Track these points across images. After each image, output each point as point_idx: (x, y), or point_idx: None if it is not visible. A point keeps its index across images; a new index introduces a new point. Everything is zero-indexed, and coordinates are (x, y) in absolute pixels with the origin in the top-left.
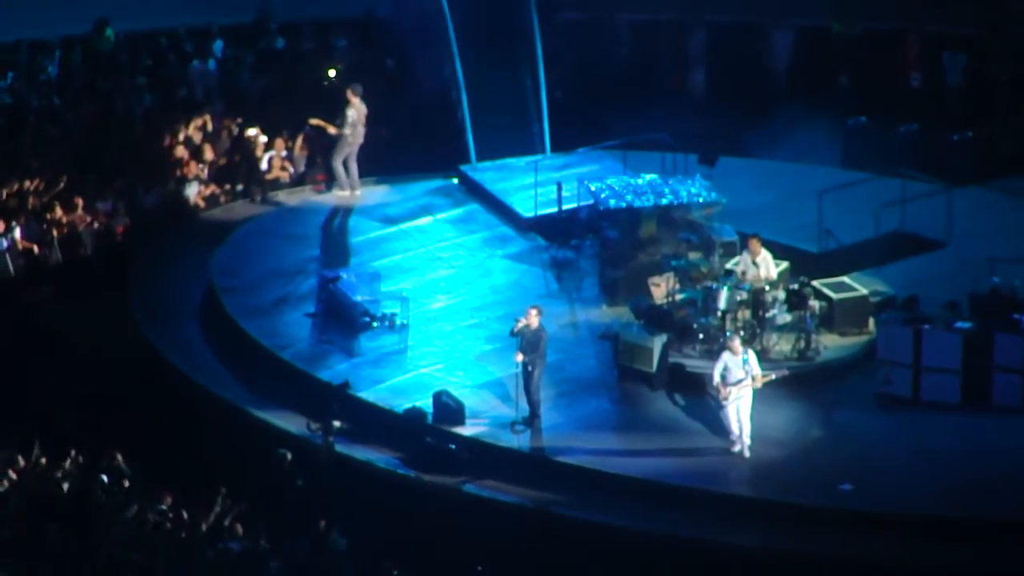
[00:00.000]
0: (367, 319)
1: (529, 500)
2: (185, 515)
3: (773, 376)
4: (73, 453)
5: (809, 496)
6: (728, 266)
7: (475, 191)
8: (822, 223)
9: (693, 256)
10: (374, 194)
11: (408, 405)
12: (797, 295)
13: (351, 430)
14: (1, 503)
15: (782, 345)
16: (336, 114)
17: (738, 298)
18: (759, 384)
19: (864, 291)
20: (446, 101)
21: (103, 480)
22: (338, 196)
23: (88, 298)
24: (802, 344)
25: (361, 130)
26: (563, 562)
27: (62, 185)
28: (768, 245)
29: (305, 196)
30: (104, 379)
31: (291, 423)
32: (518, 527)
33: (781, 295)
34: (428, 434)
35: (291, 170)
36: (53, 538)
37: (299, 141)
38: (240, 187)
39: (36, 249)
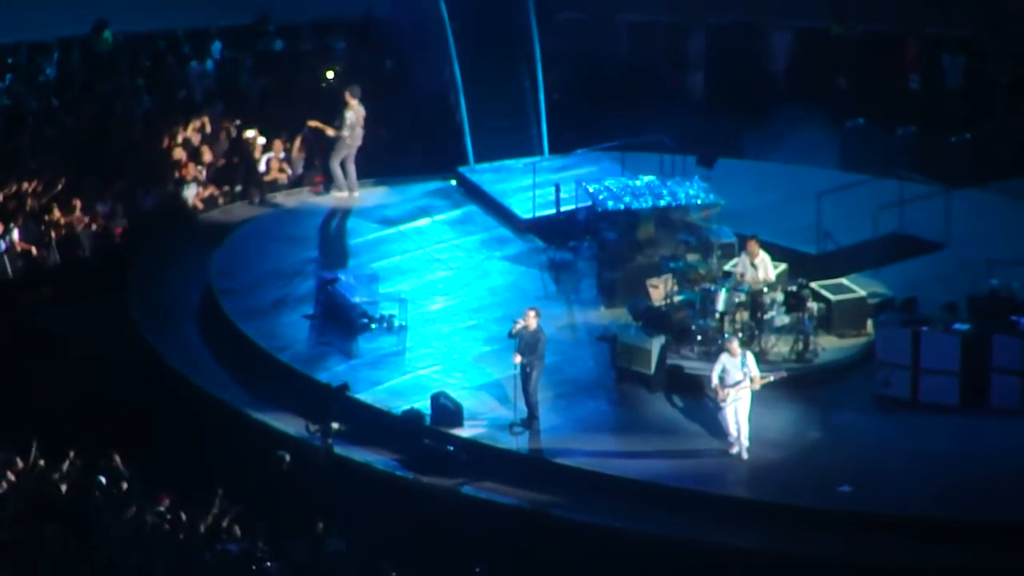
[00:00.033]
0: (365, 321)
1: (527, 502)
2: (183, 516)
3: (771, 378)
4: (71, 454)
5: (807, 498)
6: (726, 268)
7: (473, 193)
8: (820, 225)
9: (691, 258)
10: (372, 196)
11: (406, 407)
12: (795, 297)
13: (350, 432)
14: (0, 504)
15: (780, 347)
16: (334, 116)
17: (736, 300)
18: (757, 386)
19: (862, 293)
20: (444, 103)
21: (101, 481)
22: (336, 198)
23: (86, 300)
24: (800, 346)
25: (359, 132)
26: (562, 563)
27: (60, 187)
28: (766, 247)
29: (303, 198)
30: (102, 380)
31: (289, 425)
32: (516, 528)
33: (779, 297)
34: (426, 436)
35: (289, 172)
36: (52, 539)
37: (297, 143)
38: (238, 189)
39: (35, 251)
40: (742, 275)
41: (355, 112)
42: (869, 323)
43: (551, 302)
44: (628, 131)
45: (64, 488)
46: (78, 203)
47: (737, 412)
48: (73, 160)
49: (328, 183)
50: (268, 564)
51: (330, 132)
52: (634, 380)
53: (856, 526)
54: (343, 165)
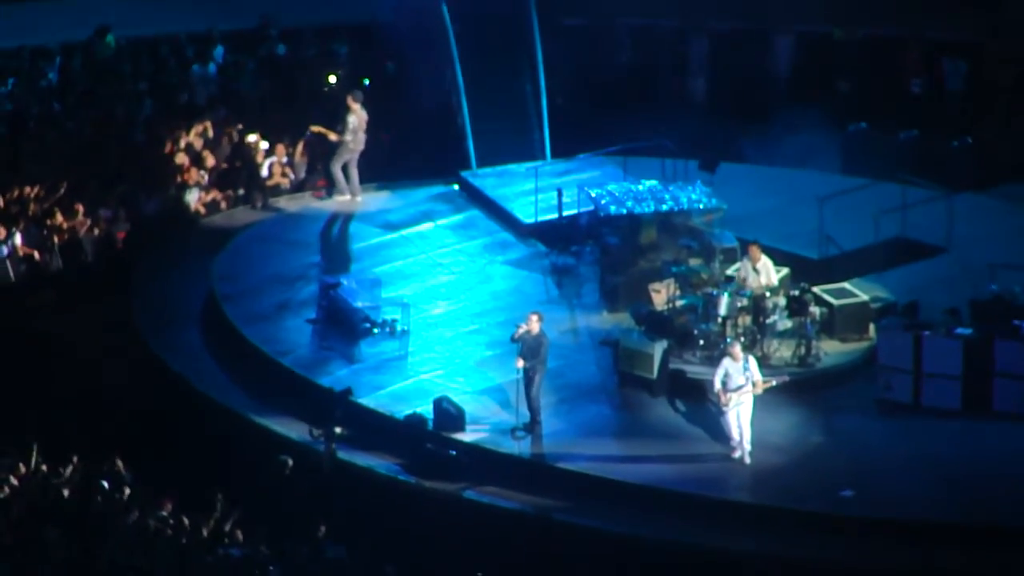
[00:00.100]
0: (368, 325)
1: (530, 506)
2: (186, 521)
3: (774, 382)
4: (74, 459)
5: (810, 502)
6: (729, 272)
7: (476, 197)
8: (822, 229)
9: (694, 262)
10: (375, 200)
11: (409, 411)
12: (798, 301)
13: (352, 436)
14: (2, 509)
15: (783, 351)
16: (337, 120)
17: (739, 304)
18: (760, 390)
19: (865, 297)
20: (446, 107)
21: (104, 486)
22: (339, 202)
23: (89, 304)
24: (803, 350)
25: (362, 136)
26: (564, 568)
27: (63, 191)
28: (768, 251)
29: (306, 202)
30: (105, 385)
31: (292, 429)
32: (519, 533)
33: (782, 301)
34: (429, 440)
35: (292, 176)
36: (54, 544)
37: (300, 147)
38: (241, 193)
39: (37, 255)
40: (744, 279)
41: (357, 116)
42: (871, 327)
43: (553, 306)
44: (630, 135)
45: (66, 493)
46: (80, 207)
47: (739, 416)
48: (75, 164)
49: (331, 188)
50: (270, 568)
51: (333, 137)
52: (636, 384)
53: (858, 530)
54: (346, 169)
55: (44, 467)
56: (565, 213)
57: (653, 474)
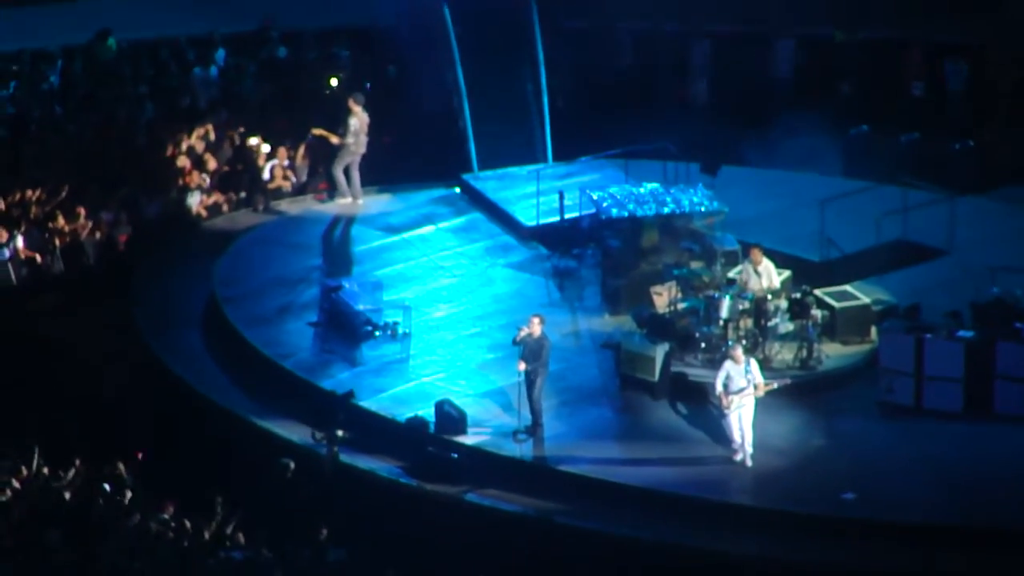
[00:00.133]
0: (369, 328)
1: (531, 509)
2: (187, 524)
3: (775, 385)
4: (76, 462)
5: (811, 505)
6: (730, 275)
7: (477, 200)
8: (824, 232)
9: (695, 265)
10: (376, 203)
11: (410, 414)
12: (799, 304)
13: (354, 439)
14: (3, 512)
15: (784, 354)
16: (338, 123)
17: (740, 307)
18: (761, 393)
19: (866, 300)
20: (448, 110)
21: (105, 489)
22: (340, 205)
23: (91, 307)
24: (804, 353)
25: (363, 139)
26: (565, 571)
27: (64, 194)
28: (770, 254)
29: (307, 205)
30: (106, 388)
31: (293, 432)
32: (520, 536)
33: (783, 304)
34: (430, 443)
35: (293, 179)
36: (55, 547)
37: (301, 150)
38: (242, 196)
39: (39, 258)
40: (746, 282)
41: (359, 119)
42: (873, 330)
43: (555, 309)
44: (632, 138)
45: (68, 496)
46: (82, 211)
47: (741, 419)
48: (77, 168)
49: (332, 190)
50: (272, 571)
51: (334, 140)
52: (638, 387)
53: (859, 533)
54: (347, 172)
55: (45, 470)
56: (567, 216)
57: (654, 477)
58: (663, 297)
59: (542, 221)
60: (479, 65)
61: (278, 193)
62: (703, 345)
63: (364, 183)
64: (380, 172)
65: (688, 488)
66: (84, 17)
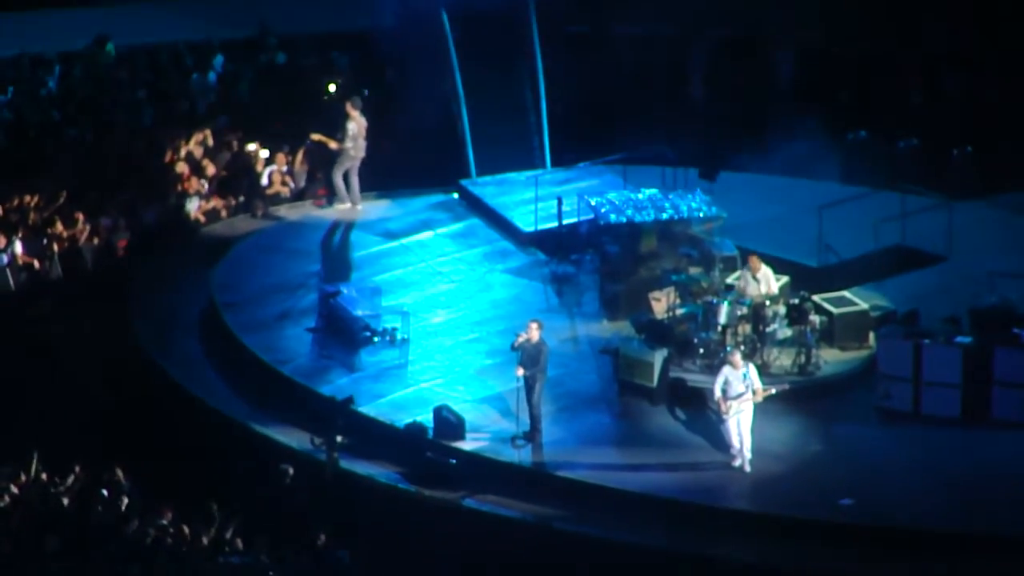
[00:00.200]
0: (368, 334)
1: (530, 515)
2: (185, 530)
3: (773, 390)
4: (76, 469)
5: (810, 510)
6: (729, 281)
7: (475, 206)
8: (822, 237)
9: (694, 271)
10: (375, 209)
11: (409, 420)
12: (797, 310)
13: (352, 445)
14: (2, 518)
15: (783, 359)
16: (337, 129)
17: (739, 313)
18: (760, 398)
19: (864, 305)
20: (446, 115)
21: (103, 495)
22: (339, 211)
23: (89, 313)
24: (803, 358)
25: (362, 143)
26: None
27: (63, 200)
28: (768, 260)
29: (306, 211)
30: (104, 393)
31: (292, 438)
32: (519, 541)
33: (782, 310)
34: (429, 449)
35: (292, 185)
36: (53, 552)
37: (300, 156)
38: (241, 202)
39: (37, 264)
40: (744, 288)
41: (357, 123)
42: (871, 336)
43: (553, 315)
44: (630, 144)
45: (66, 502)
46: (80, 216)
47: (739, 425)
48: (75, 173)
49: (331, 196)
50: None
51: (333, 145)
52: (636, 393)
53: (858, 539)
54: (347, 178)
55: (43, 476)
56: (565, 222)
57: (653, 482)
58: (661, 303)
59: (540, 227)
60: (478, 70)
61: (277, 199)
62: (701, 351)
63: (362, 189)
64: (378, 178)
65: (686, 494)
66: (83, 23)
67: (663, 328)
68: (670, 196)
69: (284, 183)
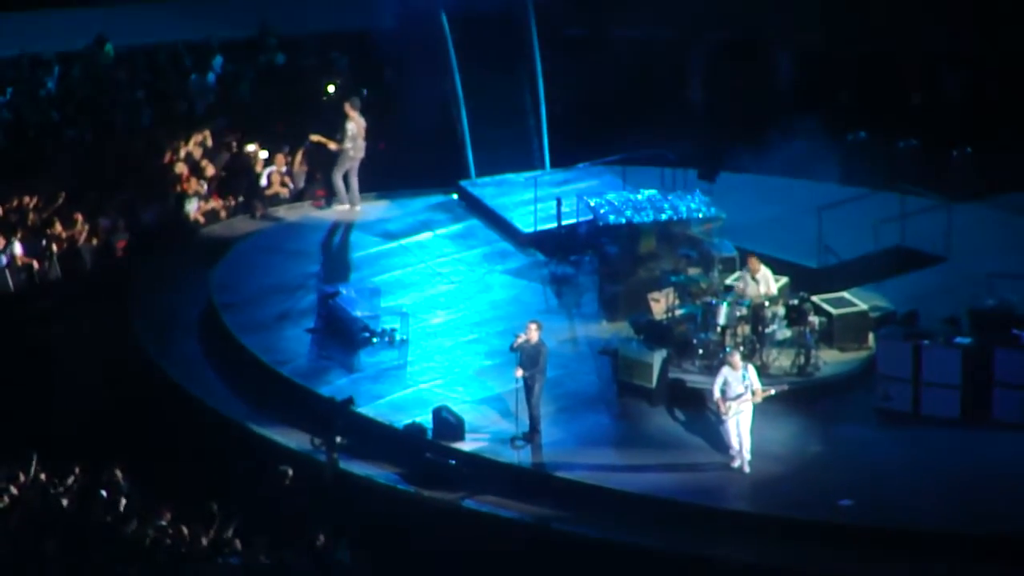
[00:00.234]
0: (367, 334)
1: (529, 515)
2: (184, 530)
3: (773, 391)
4: (76, 470)
5: (809, 511)
6: (728, 281)
7: (475, 206)
8: (821, 238)
9: (693, 271)
10: (374, 209)
11: (408, 421)
12: (797, 310)
13: (351, 445)
14: (1, 518)
15: (782, 360)
16: (336, 130)
17: (738, 313)
18: (759, 399)
19: (864, 306)
20: (446, 116)
21: (103, 495)
22: (338, 211)
23: (88, 314)
24: (802, 359)
25: (361, 143)
26: None
27: (62, 200)
28: (767, 260)
29: (305, 211)
30: (103, 394)
31: (291, 439)
32: (518, 542)
33: (781, 310)
34: (428, 449)
35: (291, 185)
36: (52, 554)
37: (299, 156)
38: (240, 202)
39: (36, 264)
40: (743, 289)
41: (356, 123)
42: (870, 337)
43: (553, 316)
44: (629, 145)
45: (65, 503)
46: (79, 217)
47: (739, 425)
48: (74, 174)
49: (330, 197)
50: None
51: (332, 146)
52: (636, 394)
53: (857, 539)
54: (346, 178)
55: (42, 477)
56: (564, 223)
57: (652, 483)
58: (661, 303)
59: (540, 228)
60: (477, 71)
61: (276, 199)
62: (701, 351)
63: (362, 189)
64: (378, 178)
65: (686, 494)
66: (82, 23)
67: (662, 329)
68: (669, 197)
69: (283, 184)
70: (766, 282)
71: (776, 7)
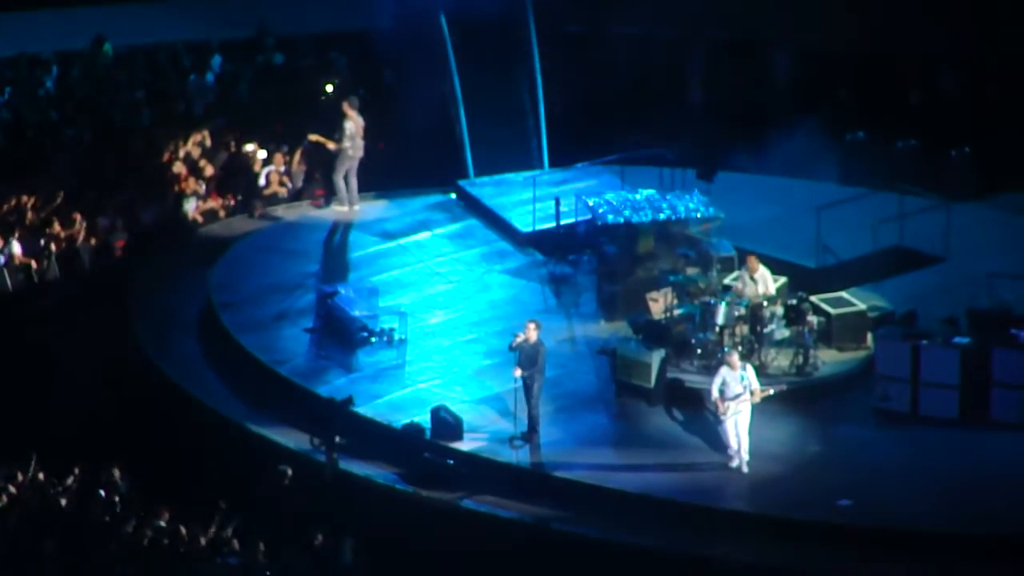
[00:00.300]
0: (365, 334)
1: (528, 515)
2: (183, 530)
3: (771, 391)
4: (75, 470)
5: (808, 511)
6: (726, 281)
7: (473, 206)
8: (820, 238)
9: (691, 271)
10: (372, 209)
11: (406, 420)
12: (795, 310)
13: (350, 445)
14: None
15: (780, 360)
16: (334, 129)
17: (736, 313)
18: (757, 399)
19: (862, 306)
20: (444, 116)
21: (101, 495)
22: (337, 211)
23: (86, 313)
24: (800, 359)
25: (360, 143)
26: None
27: (60, 200)
28: (766, 260)
29: (303, 211)
30: (102, 394)
31: (290, 438)
32: (517, 542)
33: (779, 310)
34: (427, 449)
35: (289, 185)
36: (51, 553)
37: (297, 156)
38: (239, 201)
39: (34, 264)
40: (742, 289)
41: (354, 123)
42: (869, 337)
43: (551, 315)
44: (628, 145)
45: (64, 502)
46: (78, 216)
47: (737, 425)
48: (73, 173)
49: (328, 196)
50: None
51: (331, 145)
52: (634, 393)
53: (856, 539)
54: (346, 178)
55: (41, 476)
56: (563, 222)
57: (650, 483)
58: (659, 303)
59: (538, 227)
60: (476, 71)
61: (274, 199)
62: (699, 351)
63: (360, 189)
64: (376, 178)
65: (684, 494)
66: (81, 23)
67: (661, 329)
68: (668, 197)
69: (282, 183)
70: (764, 282)
71: (775, 7)
